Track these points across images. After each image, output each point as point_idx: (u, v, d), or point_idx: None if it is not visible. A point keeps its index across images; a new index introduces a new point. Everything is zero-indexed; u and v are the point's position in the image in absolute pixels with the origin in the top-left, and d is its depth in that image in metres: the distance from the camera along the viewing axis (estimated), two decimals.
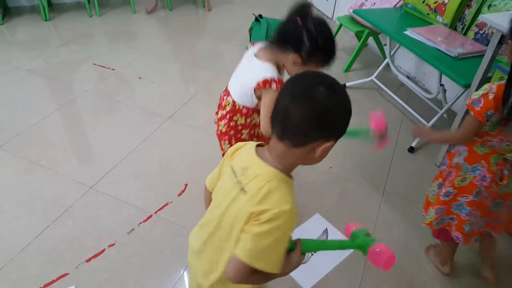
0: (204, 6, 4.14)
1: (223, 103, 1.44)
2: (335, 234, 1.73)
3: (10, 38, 3.36)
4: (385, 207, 1.90)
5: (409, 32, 2.23)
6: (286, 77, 1.38)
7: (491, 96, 1.14)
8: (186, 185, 1.92)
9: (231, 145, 1.44)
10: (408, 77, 2.95)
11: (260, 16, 3.31)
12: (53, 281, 1.47)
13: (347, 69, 3.08)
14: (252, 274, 0.76)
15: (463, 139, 1.28)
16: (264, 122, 1.30)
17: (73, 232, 1.66)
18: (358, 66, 3.16)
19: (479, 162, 1.27)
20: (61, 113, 2.41)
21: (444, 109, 2.33)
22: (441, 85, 2.36)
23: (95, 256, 1.56)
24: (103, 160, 2.04)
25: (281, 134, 0.75)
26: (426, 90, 2.82)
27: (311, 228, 1.75)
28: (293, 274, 1.52)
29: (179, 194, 1.87)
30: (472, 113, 1.19)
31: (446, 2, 2.28)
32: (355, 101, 2.70)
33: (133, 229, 1.68)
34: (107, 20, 3.72)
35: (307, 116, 0.71)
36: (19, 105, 2.46)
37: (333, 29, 3.21)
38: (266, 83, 1.24)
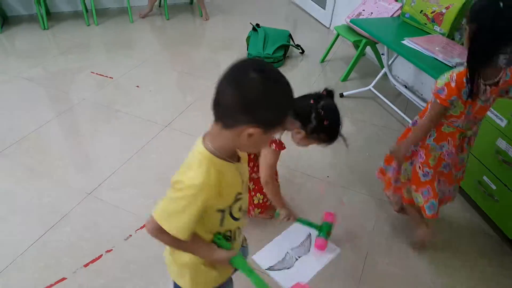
0: (202, 16, 4.26)
1: None
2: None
3: (9, 47, 3.45)
4: (382, 216, 1.95)
5: (406, 42, 2.31)
6: None
7: (453, 84, 1.32)
8: None
9: None
10: (406, 87, 3.04)
11: (258, 25, 3.41)
12: (51, 285, 1.52)
13: (345, 79, 3.17)
14: (163, 233, 0.84)
15: (432, 123, 1.46)
16: (265, 177, 1.47)
17: (71, 238, 1.72)
18: (356, 75, 3.25)
19: (445, 140, 1.49)
20: (59, 121, 2.48)
21: None
22: None
23: (92, 261, 1.61)
24: (101, 167, 2.10)
25: (216, 116, 0.83)
26: (424, 100, 2.90)
27: (295, 233, 1.80)
28: (278, 279, 1.57)
29: None
30: (438, 100, 1.36)
31: (444, 12, 2.37)
32: (352, 110, 2.79)
33: (130, 235, 1.73)
34: (105, 29, 3.82)
35: (234, 99, 0.77)
36: (17, 112, 2.53)
37: (330, 39, 3.35)
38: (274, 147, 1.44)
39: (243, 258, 0.95)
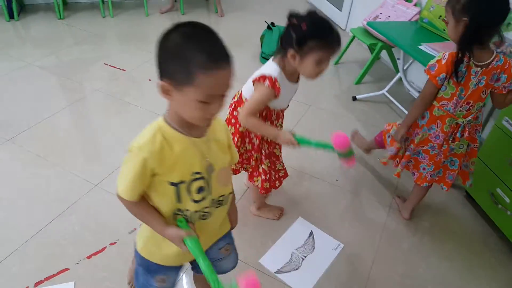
0: (217, 12, 4.25)
1: (236, 94, 1.54)
2: (322, 237, 1.79)
3: (24, 35, 3.48)
4: (391, 223, 1.92)
5: (423, 47, 2.27)
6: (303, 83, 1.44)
7: (443, 62, 1.43)
8: None
9: (234, 133, 1.53)
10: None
11: (273, 24, 3.39)
12: (53, 275, 1.52)
13: (359, 82, 3.14)
14: (122, 198, 0.91)
15: (423, 101, 1.55)
16: (242, 111, 1.36)
17: (76, 228, 1.72)
18: (370, 79, 3.21)
19: (434, 123, 1.58)
20: (71, 111, 2.49)
21: None
22: None
23: (96, 253, 1.61)
24: (110, 159, 2.11)
25: None
26: None
27: (297, 233, 1.80)
28: (289, 282, 1.56)
29: None
30: (428, 76, 1.47)
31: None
32: (365, 114, 2.75)
33: (135, 228, 1.73)
34: (120, 22, 3.84)
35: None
36: (30, 100, 2.55)
37: (346, 40, 3.31)
38: (261, 78, 1.32)
39: (198, 243, 0.89)
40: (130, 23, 3.83)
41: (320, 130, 2.52)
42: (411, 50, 2.29)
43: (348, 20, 4.03)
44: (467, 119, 1.54)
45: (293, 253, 1.70)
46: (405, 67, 2.81)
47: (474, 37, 1.36)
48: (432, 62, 1.47)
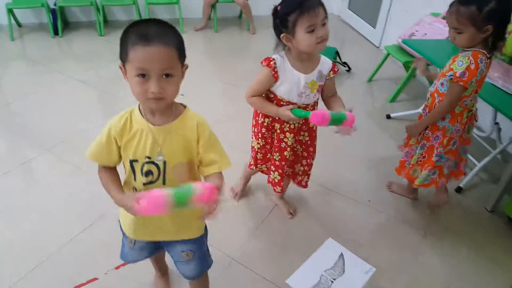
0: (249, 29, 4.33)
1: None
2: (352, 259, 1.73)
3: (67, 50, 3.68)
4: (426, 249, 1.83)
5: None
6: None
7: (472, 67, 1.50)
8: None
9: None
10: None
11: None
12: (82, 284, 1.55)
13: (393, 99, 3.07)
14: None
15: (451, 106, 1.61)
16: (246, 92, 1.52)
17: (106, 238, 1.75)
18: (405, 97, 3.13)
19: (456, 120, 1.66)
20: (107, 123, 2.58)
21: (498, 150, 2.25)
22: (496, 123, 2.29)
23: (124, 264, 1.63)
24: None
25: None
26: (479, 128, 2.73)
27: (327, 254, 1.75)
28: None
29: None
30: (461, 83, 1.51)
31: (506, 36, 2.24)
32: (399, 133, 2.67)
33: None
34: None
35: None
36: (68, 112, 2.67)
37: (379, 58, 3.26)
38: (263, 61, 1.46)
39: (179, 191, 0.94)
40: None
41: (352, 148, 2.47)
42: None
43: (382, 37, 3.99)
44: (476, 106, 1.68)
45: (322, 275, 1.65)
46: None
47: (499, 39, 1.53)
48: (460, 69, 1.51)
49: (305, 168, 1.73)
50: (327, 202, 2.04)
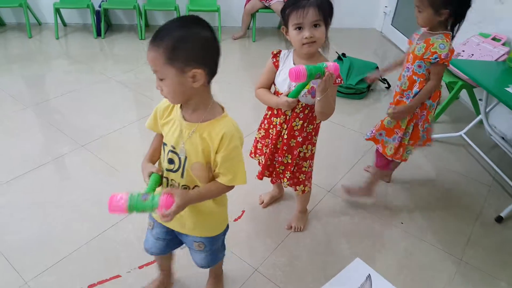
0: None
1: None
2: (381, 282, 1.67)
3: (108, 51, 3.86)
4: (459, 278, 1.76)
5: (511, 89, 2.13)
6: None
7: (451, 48, 1.68)
8: (243, 211, 1.99)
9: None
10: (503, 138, 2.77)
11: (344, 55, 3.40)
12: (105, 280, 1.60)
13: (434, 120, 2.99)
14: None
15: (439, 85, 1.79)
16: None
17: (131, 237, 1.80)
18: (446, 118, 3.05)
19: (437, 96, 1.85)
20: (140, 124, 2.68)
21: None
22: None
23: (147, 264, 1.67)
24: None
25: None
26: None
27: (353, 273, 1.72)
28: None
29: (236, 219, 1.95)
30: (446, 63, 1.68)
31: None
32: (439, 155, 2.60)
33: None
34: None
35: None
36: (105, 111, 2.79)
37: None
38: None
39: (157, 180, 1.12)
40: None
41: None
42: (496, 92, 2.15)
43: None
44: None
45: None
46: (487, 110, 2.63)
47: (458, 22, 1.69)
48: (444, 52, 1.65)
49: (289, 168, 1.67)
50: (359, 222, 2.01)
